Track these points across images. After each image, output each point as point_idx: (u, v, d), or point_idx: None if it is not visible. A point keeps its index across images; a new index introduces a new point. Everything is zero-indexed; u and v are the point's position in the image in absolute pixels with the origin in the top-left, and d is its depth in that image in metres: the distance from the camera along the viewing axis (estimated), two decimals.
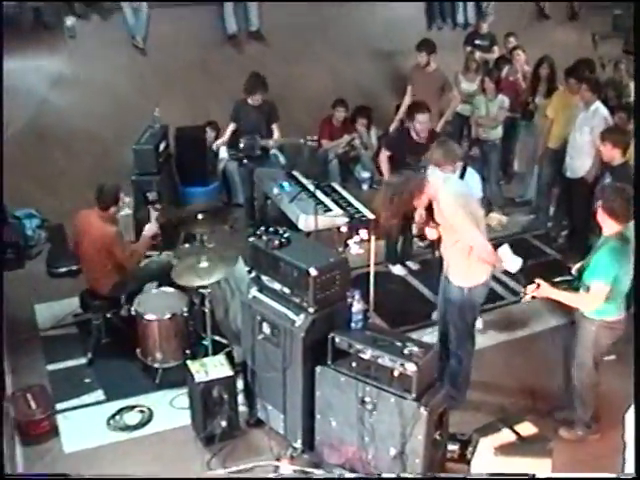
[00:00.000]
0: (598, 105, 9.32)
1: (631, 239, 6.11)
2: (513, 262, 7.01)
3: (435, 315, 7.85)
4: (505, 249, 6.74)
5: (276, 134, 9.86)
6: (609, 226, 6.11)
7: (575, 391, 6.61)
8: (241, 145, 9.74)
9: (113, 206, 7.53)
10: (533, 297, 6.22)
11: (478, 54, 12.65)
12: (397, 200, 6.31)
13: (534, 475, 5.65)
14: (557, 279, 6.41)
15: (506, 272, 7.61)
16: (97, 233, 7.46)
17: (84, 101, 11.58)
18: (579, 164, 9.39)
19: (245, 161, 9.92)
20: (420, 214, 6.76)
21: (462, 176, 7.66)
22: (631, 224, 6.14)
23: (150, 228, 7.81)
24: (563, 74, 10.36)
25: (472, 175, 7.82)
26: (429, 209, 6.59)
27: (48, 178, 10.21)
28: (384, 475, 5.92)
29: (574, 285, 6.33)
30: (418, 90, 10.99)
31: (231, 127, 9.92)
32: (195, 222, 7.80)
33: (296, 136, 9.46)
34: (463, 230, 6.37)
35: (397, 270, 9.38)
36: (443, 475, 6.01)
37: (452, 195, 6.40)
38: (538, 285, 6.15)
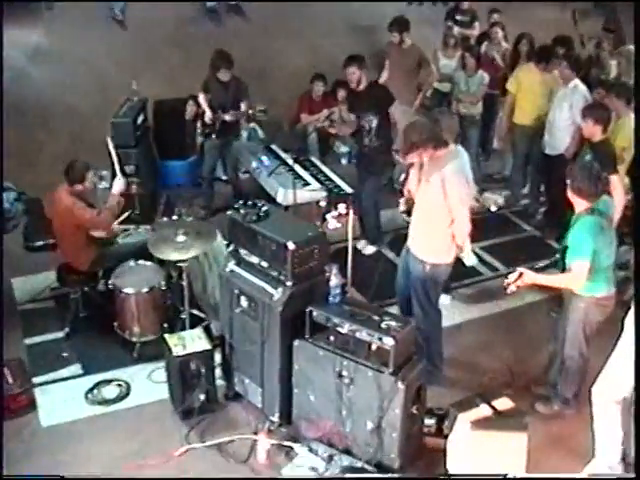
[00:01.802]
0: (577, 82, 9.35)
1: (605, 211, 6.17)
2: (471, 256, 7.12)
3: None
4: (467, 241, 6.81)
5: (242, 110, 9.87)
6: (579, 204, 6.17)
7: (563, 368, 6.63)
8: (206, 121, 9.86)
9: (78, 184, 7.46)
10: (518, 286, 6.22)
11: (457, 30, 12.61)
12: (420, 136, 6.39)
13: (506, 475, 5.70)
14: (540, 264, 6.42)
15: (484, 248, 7.70)
16: (63, 208, 7.41)
17: (62, 74, 11.51)
18: (558, 141, 9.41)
19: (213, 136, 9.95)
20: (408, 189, 6.77)
21: None
22: (604, 198, 6.19)
23: (117, 184, 7.68)
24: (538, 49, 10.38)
25: (463, 154, 7.75)
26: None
27: (26, 152, 10.13)
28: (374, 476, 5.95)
29: (559, 266, 6.35)
30: (395, 66, 10.98)
31: (204, 100, 9.90)
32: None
33: (274, 111, 9.43)
34: (454, 200, 6.38)
35: (369, 250, 9.35)
36: (418, 476, 6.03)
37: (458, 167, 6.46)
38: (521, 274, 6.16)
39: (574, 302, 6.33)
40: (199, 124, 10.43)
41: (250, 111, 9.44)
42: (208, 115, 9.80)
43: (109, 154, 7.98)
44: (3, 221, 8.72)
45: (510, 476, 5.70)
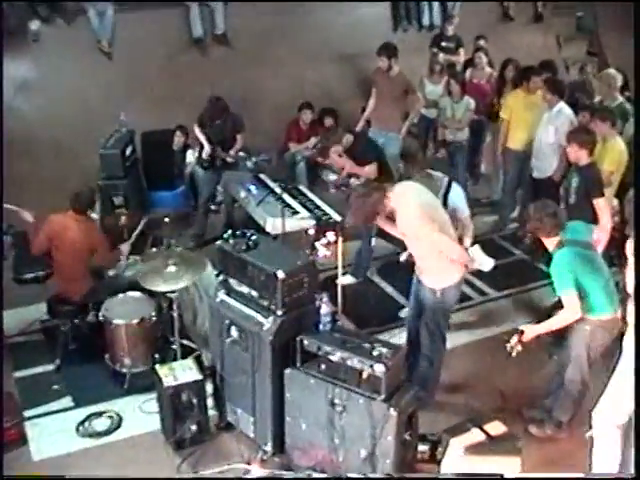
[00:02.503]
0: (562, 105, 9.43)
1: (576, 236, 6.26)
2: (486, 261, 7.09)
3: (404, 313, 7.88)
4: (476, 249, 6.81)
5: (239, 144, 9.91)
6: (548, 243, 6.26)
7: (563, 391, 6.61)
8: (203, 156, 9.96)
9: (88, 209, 7.55)
10: (523, 345, 6.24)
11: (442, 56, 12.68)
12: (360, 210, 6.44)
13: (502, 475, 5.69)
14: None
15: (475, 272, 7.71)
16: (78, 236, 7.51)
17: (49, 106, 11.52)
18: (545, 164, 9.47)
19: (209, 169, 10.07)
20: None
21: (447, 193, 7.65)
22: (569, 224, 6.31)
23: (125, 248, 7.95)
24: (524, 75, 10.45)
25: (457, 191, 7.74)
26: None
27: (12, 184, 10.09)
28: (353, 475, 5.93)
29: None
30: (382, 93, 11.01)
31: (200, 134, 9.95)
32: (162, 226, 7.80)
33: (261, 140, 9.45)
34: (432, 240, 6.40)
35: (346, 280, 9.13)
36: (412, 475, 6.02)
37: (418, 208, 6.41)
38: (522, 332, 6.19)
39: (579, 325, 6.30)
40: (190, 156, 10.48)
41: (253, 158, 9.51)
42: (207, 150, 9.86)
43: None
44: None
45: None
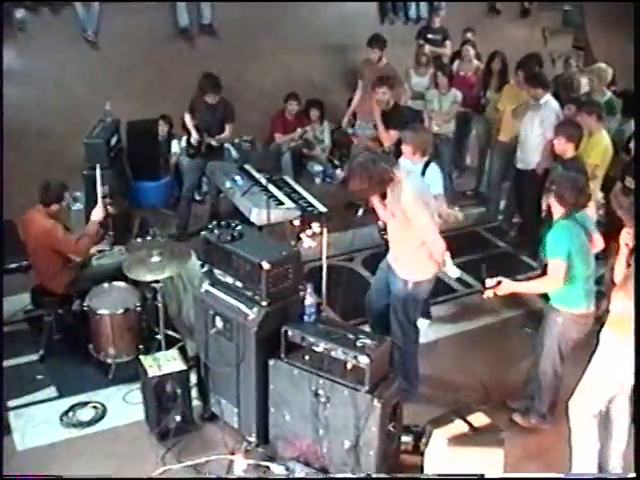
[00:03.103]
0: (548, 98, 9.47)
1: (583, 221, 6.23)
2: (454, 270, 7.18)
3: None
4: (447, 256, 6.85)
5: (226, 133, 9.88)
6: (557, 211, 6.20)
7: (537, 382, 6.66)
8: (192, 142, 9.88)
9: (55, 204, 7.45)
10: (495, 294, 6.25)
11: (428, 48, 12.71)
12: (369, 179, 6.30)
13: (483, 475, 5.73)
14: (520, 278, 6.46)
15: (458, 265, 7.75)
16: (40, 230, 7.38)
17: (35, 95, 11.49)
18: (530, 156, 9.50)
19: (196, 156, 9.98)
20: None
21: (424, 170, 7.69)
22: (583, 212, 6.25)
23: (97, 212, 7.62)
24: (514, 68, 10.48)
25: (434, 170, 7.76)
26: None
27: None
28: (339, 475, 5.95)
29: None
30: (369, 85, 11.03)
31: (189, 121, 9.93)
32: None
33: (247, 131, 9.44)
34: (421, 227, 6.39)
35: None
36: (396, 475, 6.04)
37: (413, 192, 6.37)
38: (499, 282, 6.20)
39: (552, 317, 6.37)
40: (175, 146, 10.44)
41: (236, 140, 9.51)
42: (194, 137, 9.81)
43: (94, 181, 7.96)
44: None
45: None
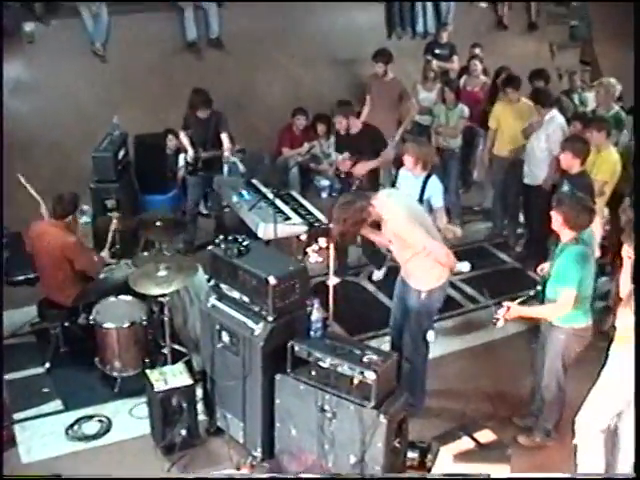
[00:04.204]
0: (554, 113, 9.47)
1: (589, 242, 6.23)
2: (462, 264, 7.16)
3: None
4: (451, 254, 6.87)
5: (225, 143, 9.86)
6: (565, 234, 6.19)
7: (542, 399, 6.66)
8: (188, 160, 9.94)
9: (69, 215, 7.49)
10: (506, 320, 6.25)
11: (435, 63, 12.72)
12: (344, 218, 6.42)
13: (489, 475, 5.71)
14: (521, 297, 6.44)
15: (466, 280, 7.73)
16: (56, 243, 7.39)
17: (43, 108, 11.51)
18: (537, 172, 9.50)
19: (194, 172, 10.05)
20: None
21: (425, 183, 7.72)
22: (588, 229, 6.23)
23: (105, 254, 7.83)
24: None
25: (435, 183, 7.82)
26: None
27: (6, 186, 10.11)
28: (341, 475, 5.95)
29: (539, 298, 6.39)
30: (376, 99, 11.08)
31: (185, 138, 9.95)
32: (154, 229, 7.78)
33: (255, 145, 9.44)
34: (419, 242, 6.42)
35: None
36: (403, 475, 6.03)
37: (400, 214, 6.44)
38: (508, 308, 6.19)
39: (553, 333, 6.36)
40: (182, 160, 10.46)
41: (226, 153, 9.52)
42: (190, 154, 9.83)
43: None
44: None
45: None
